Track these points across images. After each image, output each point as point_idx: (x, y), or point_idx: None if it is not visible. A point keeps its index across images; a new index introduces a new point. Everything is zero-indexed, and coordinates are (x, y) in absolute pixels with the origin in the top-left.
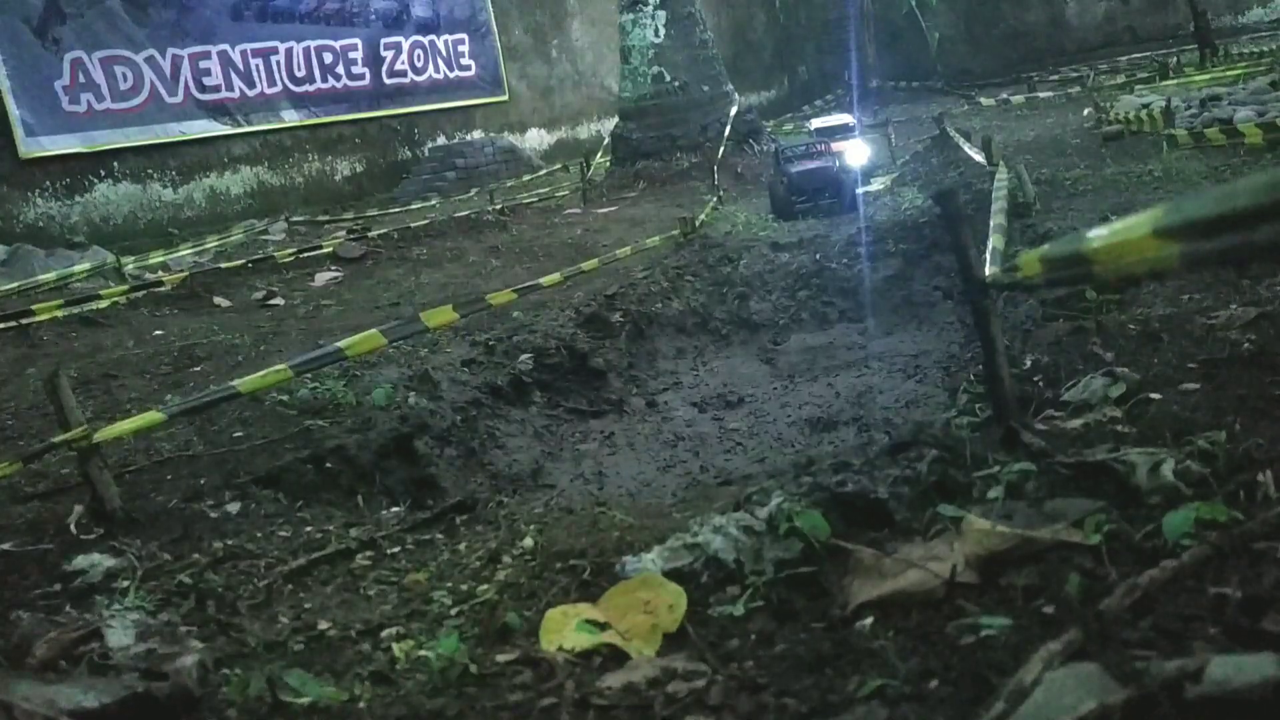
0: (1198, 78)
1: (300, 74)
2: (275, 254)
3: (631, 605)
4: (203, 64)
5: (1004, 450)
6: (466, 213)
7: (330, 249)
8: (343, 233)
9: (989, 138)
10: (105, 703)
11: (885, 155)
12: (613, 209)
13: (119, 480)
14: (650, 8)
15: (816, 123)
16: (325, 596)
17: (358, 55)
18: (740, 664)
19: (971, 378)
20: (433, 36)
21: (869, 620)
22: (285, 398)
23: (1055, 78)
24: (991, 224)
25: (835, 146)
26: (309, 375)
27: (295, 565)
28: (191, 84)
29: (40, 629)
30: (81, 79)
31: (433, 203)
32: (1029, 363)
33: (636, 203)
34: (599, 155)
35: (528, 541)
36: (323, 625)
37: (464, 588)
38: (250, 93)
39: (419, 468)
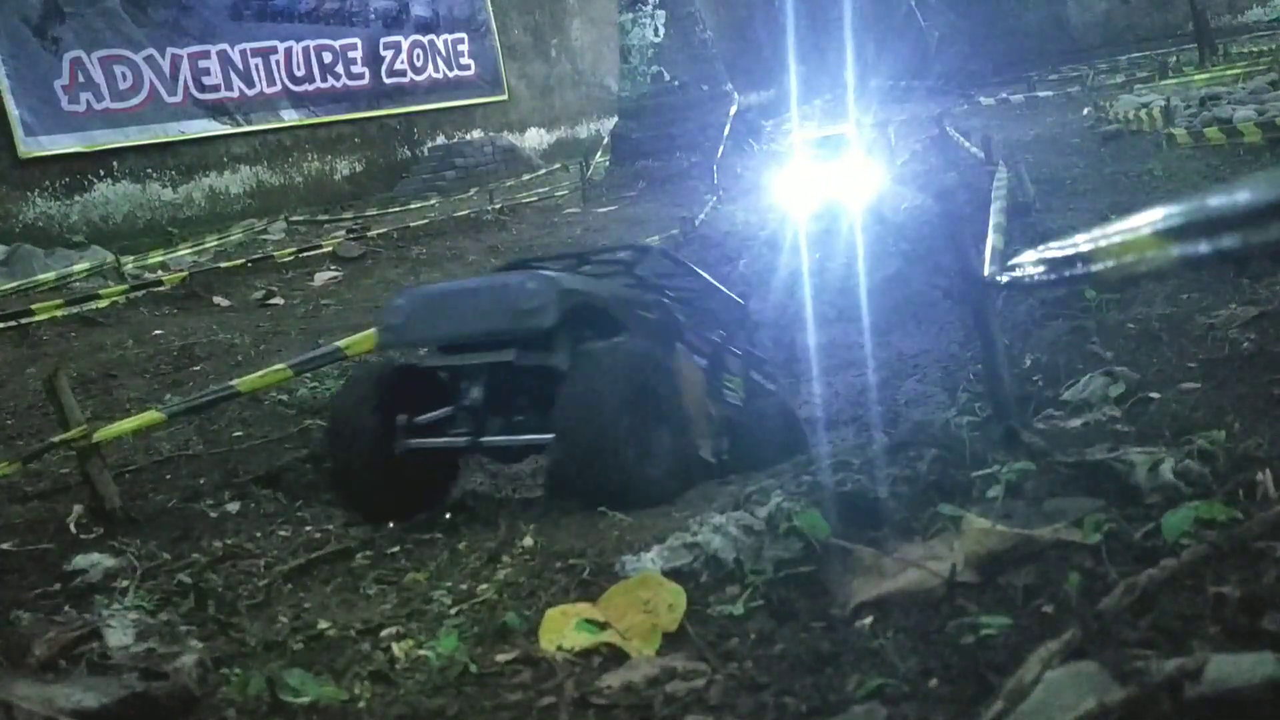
0: (1197, 77)
1: (300, 73)
2: (275, 254)
3: (631, 605)
4: (202, 63)
5: (1003, 450)
6: (466, 212)
7: (330, 249)
8: (342, 232)
9: (988, 137)
10: (105, 703)
11: (886, 155)
12: (612, 208)
13: (119, 480)
14: (650, 7)
15: (809, 134)
16: (325, 596)
17: (357, 55)
18: (740, 663)
19: (971, 377)
20: (432, 36)
21: (869, 620)
22: (285, 397)
23: (1055, 77)
24: (991, 223)
25: None
26: (308, 375)
27: (295, 565)
28: (191, 83)
29: (40, 629)
30: (81, 78)
31: (432, 202)
32: (1029, 362)
33: (636, 202)
34: (598, 154)
35: (528, 541)
36: (322, 625)
37: (464, 587)
38: (250, 92)
39: None
